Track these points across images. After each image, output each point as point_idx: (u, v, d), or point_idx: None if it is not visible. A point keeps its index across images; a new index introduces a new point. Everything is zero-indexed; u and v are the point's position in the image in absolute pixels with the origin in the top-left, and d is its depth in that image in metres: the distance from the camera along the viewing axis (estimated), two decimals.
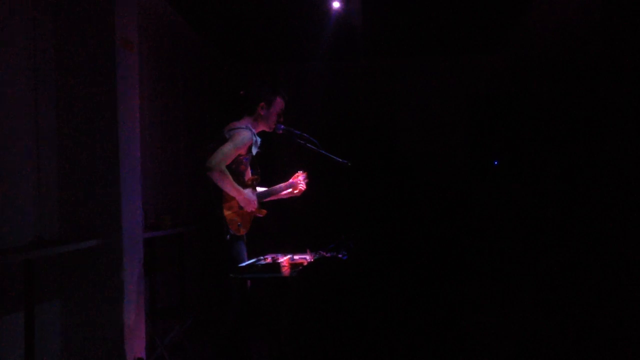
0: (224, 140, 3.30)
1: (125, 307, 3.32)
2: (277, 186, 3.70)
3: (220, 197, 3.33)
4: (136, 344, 3.45)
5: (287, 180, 3.71)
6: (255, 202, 3.48)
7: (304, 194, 3.73)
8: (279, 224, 5.44)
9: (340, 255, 3.44)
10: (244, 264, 3.32)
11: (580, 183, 4.30)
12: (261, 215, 3.59)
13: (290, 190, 3.70)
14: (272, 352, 3.41)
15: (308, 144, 3.59)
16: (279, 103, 3.53)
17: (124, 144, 3.39)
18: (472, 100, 6.50)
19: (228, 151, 3.25)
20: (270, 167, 3.79)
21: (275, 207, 3.83)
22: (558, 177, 4.79)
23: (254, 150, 3.44)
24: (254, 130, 3.44)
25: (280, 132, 3.56)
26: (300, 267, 3.21)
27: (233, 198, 3.35)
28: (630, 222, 3.52)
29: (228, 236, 3.34)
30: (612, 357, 3.58)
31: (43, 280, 3.10)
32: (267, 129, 3.56)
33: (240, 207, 3.41)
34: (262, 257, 3.43)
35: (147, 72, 4.41)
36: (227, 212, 3.34)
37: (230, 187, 3.27)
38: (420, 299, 5.22)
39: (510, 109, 6.19)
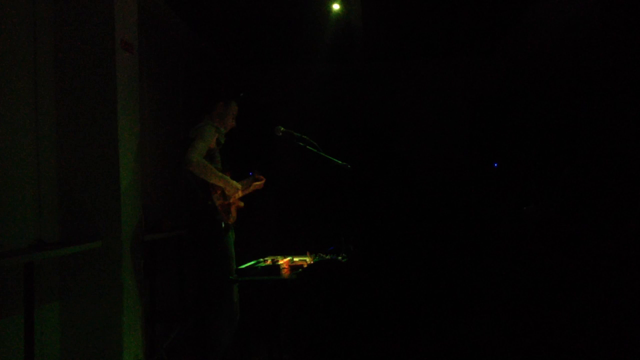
0: (191, 140, 3.36)
1: (125, 309, 3.31)
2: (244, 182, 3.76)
3: (207, 188, 3.37)
4: (135, 346, 3.44)
5: (291, 183, 3.77)
6: (239, 190, 3.53)
7: (303, 195, 3.74)
8: (279, 226, 5.43)
9: (339, 258, 3.44)
10: (243, 266, 3.31)
11: (580, 183, 4.30)
12: (241, 206, 3.62)
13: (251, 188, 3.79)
14: (271, 354, 3.40)
15: (308, 146, 3.60)
16: (234, 107, 3.67)
17: (124, 145, 3.38)
18: (472, 101, 6.49)
19: (200, 145, 3.31)
20: (270, 168, 3.79)
21: (275, 209, 3.82)
22: (558, 177, 4.78)
23: (222, 140, 3.54)
24: (214, 124, 3.52)
25: (280, 134, 3.57)
26: (300, 270, 3.20)
27: (219, 188, 3.40)
28: (630, 222, 3.52)
29: (223, 224, 3.39)
30: (612, 357, 3.57)
31: (43, 282, 3.10)
32: (222, 128, 3.62)
33: (224, 196, 3.45)
34: (262, 259, 3.43)
35: (147, 72, 4.40)
36: (217, 202, 3.39)
37: (214, 176, 3.34)
38: (420, 301, 5.21)
39: (511, 109, 6.18)
